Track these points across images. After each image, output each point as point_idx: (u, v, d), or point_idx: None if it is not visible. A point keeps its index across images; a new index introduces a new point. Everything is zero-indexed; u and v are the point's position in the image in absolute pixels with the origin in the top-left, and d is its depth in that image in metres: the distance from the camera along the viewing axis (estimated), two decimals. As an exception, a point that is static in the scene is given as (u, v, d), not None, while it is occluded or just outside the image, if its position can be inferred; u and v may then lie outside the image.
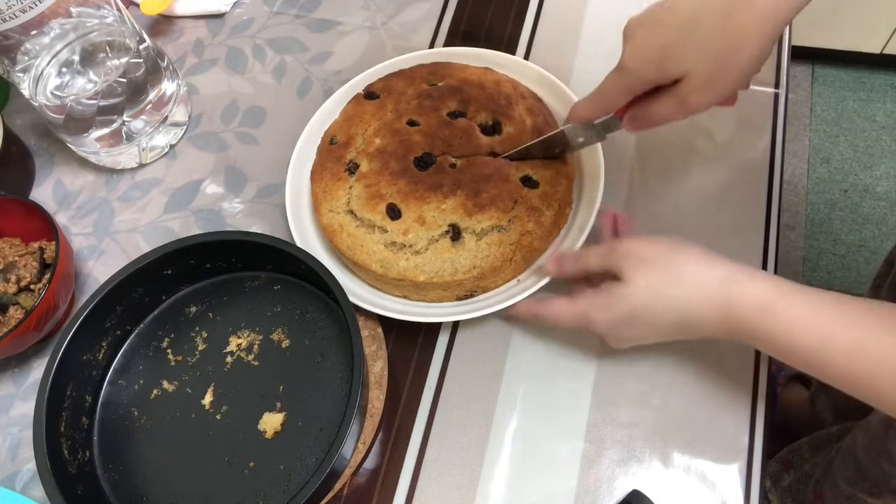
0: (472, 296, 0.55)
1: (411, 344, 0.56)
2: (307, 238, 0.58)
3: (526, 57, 0.70)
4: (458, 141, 0.56)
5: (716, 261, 0.44)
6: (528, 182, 0.55)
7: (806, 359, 0.40)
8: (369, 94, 0.61)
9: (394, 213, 0.54)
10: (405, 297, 0.56)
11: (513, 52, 0.70)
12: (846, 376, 0.39)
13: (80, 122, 0.62)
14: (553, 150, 0.55)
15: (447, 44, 0.72)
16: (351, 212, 0.55)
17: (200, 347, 0.55)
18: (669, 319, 0.44)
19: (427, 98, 0.59)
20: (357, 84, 0.64)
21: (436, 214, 0.53)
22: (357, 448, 0.50)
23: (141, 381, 0.54)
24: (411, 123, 0.58)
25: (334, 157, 0.58)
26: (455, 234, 0.53)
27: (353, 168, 0.57)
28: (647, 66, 0.43)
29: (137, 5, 0.75)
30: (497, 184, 0.54)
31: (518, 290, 0.53)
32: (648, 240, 0.47)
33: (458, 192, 0.53)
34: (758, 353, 0.53)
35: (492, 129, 0.58)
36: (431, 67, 0.62)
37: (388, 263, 0.53)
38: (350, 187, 0.56)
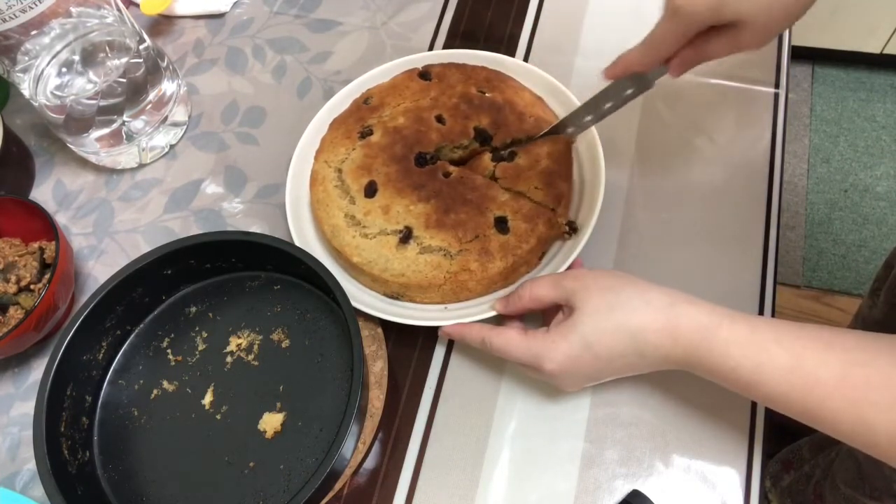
0: (399, 297, 0.55)
1: (411, 344, 0.56)
2: (307, 238, 0.58)
3: (526, 57, 0.70)
4: (467, 153, 0.57)
5: (661, 288, 0.44)
6: (500, 224, 0.53)
7: (745, 379, 0.40)
8: (424, 73, 0.62)
9: (371, 191, 0.55)
10: (389, 295, 0.56)
11: (513, 52, 0.70)
12: (782, 395, 0.39)
13: (80, 122, 0.62)
14: (602, 107, 0.53)
15: (447, 44, 0.72)
16: (339, 170, 0.57)
17: (200, 347, 0.55)
18: (620, 344, 0.43)
19: (467, 103, 0.58)
20: (360, 84, 0.64)
21: (401, 211, 0.54)
22: (357, 448, 0.50)
23: (141, 381, 0.54)
24: (439, 119, 0.58)
25: (358, 115, 0.60)
26: (405, 237, 0.53)
27: (366, 133, 0.58)
28: (703, 10, 0.43)
29: (137, 5, 0.75)
30: (470, 211, 0.53)
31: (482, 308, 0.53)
32: (595, 269, 0.48)
33: (432, 200, 0.54)
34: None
35: (504, 157, 0.56)
36: (491, 74, 0.61)
37: (338, 232, 0.55)
38: (353, 149, 0.58)
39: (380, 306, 0.54)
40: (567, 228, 0.54)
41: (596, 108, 0.54)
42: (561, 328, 0.45)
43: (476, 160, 0.57)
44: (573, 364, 0.45)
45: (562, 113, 0.60)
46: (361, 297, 0.55)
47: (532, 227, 0.53)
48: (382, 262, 0.53)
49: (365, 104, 0.61)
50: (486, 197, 0.54)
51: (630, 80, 0.50)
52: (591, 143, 0.57)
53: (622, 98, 0.52)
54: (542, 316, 0.52)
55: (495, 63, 0.63)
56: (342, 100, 0.63)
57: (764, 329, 0.40)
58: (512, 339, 0.47)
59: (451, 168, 0.56)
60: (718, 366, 0.41)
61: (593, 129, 0.57)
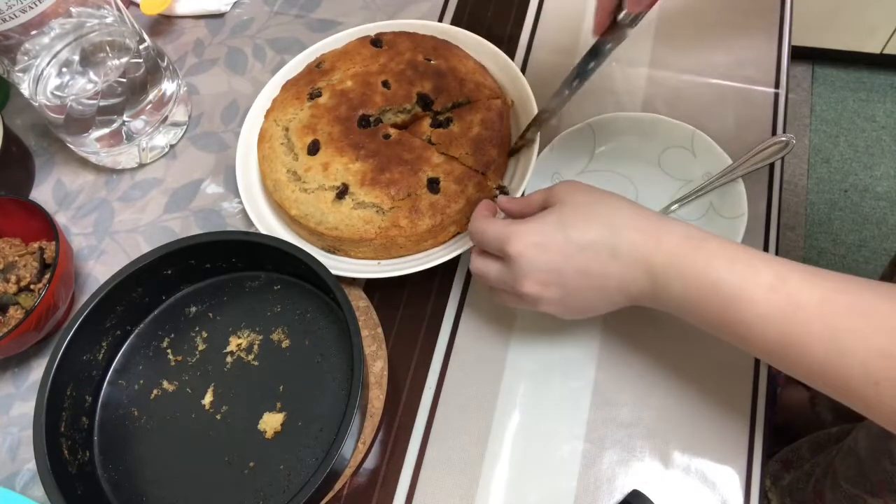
0: (335, 251, 0.57)
1: (411, 344, 0.56)
2: (253, 194, 0.61)
3: (526, 57, 0.70)
4: (409, 117, 0.60)
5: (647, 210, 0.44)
6: (432, 184, 0.55)
7: (725, 295, 0.39)
8: (376, 40, 0.64)
9: (313, 149, 0.57)
10: (326, 249, 0.58)
11: (513, 52, 0.70)
12: (761, 316, 0.38)
13: (80, 122, 0.62)
14: (587, 67, 0.52)
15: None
16: (286, 129, 0.59)
17: (200, 347, 0.55)
18: (596, 232, 0.42)
19: (412, 69, 0.60)
20: (315, 50, 0.67)
21: (339, 168, 0.56)
22: (357, 448, 0.50)
23: (141, 381, 0.54)
24: (385, 84, 0.60)
25: (309, 78, 0.62)
26: (341, 193, 0.55)
27: (315, 95, 0.61)
28: None
29: (137, 5, 0.75)
30: (404, 171, 0.55)
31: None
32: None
33: (369, 160, 0.56)
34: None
35: (441, 122, 0.59)
36: (439, 43, 0.63)
37: (279, 186, 0.57)
38: (301, 109, 0.60)
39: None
40: (497, 192, 0.56)
41: (581, 70, 0.52)
42: (541, 213, 0.45)
43: (416, 125, 0.59)
44: (540, 245, 0.43)
45: (503, 79, 0.62)
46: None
47: (462, 188, 0.55)
48: (318, 215, 0.55)
49: (317, 68, 0.63)
50: (421, 159, 0.56)
51: (610, 35, 0.50)
52: (529, 112, 0.59)
53: (603, 53, 0.51)
54: None
55: (444, 33, 0.65)
56: (297, 65, 0.66)
57: (752, 250, 0.40)
58: (492, 222, 0.47)
59: (392, 130, 0.58)
60: (700, 277, 0.39)
61: (532, 99, 0.59)
